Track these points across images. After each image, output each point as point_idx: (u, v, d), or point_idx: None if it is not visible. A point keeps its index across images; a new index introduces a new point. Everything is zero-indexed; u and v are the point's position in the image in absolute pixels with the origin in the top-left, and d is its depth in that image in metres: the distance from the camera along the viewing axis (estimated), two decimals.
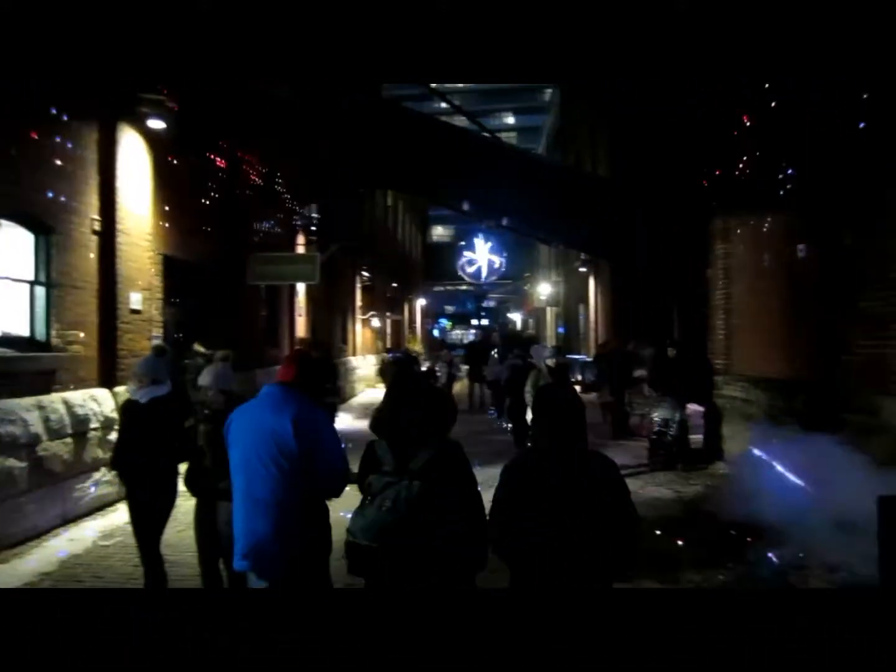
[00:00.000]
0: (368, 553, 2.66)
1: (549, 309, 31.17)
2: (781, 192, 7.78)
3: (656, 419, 8.92)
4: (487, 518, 2.63)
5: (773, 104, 7.90)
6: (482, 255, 15.71)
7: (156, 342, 8.04)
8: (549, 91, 53.00)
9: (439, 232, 64.65)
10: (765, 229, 8.21)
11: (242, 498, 2.95)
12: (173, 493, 4.27)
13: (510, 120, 64.40)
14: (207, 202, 10.20)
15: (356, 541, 2.71)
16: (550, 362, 7.70)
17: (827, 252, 6.98)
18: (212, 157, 10.33)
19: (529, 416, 7.50)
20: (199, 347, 8.16)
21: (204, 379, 4.13)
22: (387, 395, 3.31)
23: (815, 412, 6.84)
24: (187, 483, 4.08)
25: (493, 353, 13.81)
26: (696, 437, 9.26)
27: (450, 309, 59.96)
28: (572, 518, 2.33)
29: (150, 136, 8.28)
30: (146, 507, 4.20)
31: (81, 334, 7.15)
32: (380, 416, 3.41)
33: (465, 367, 18.06)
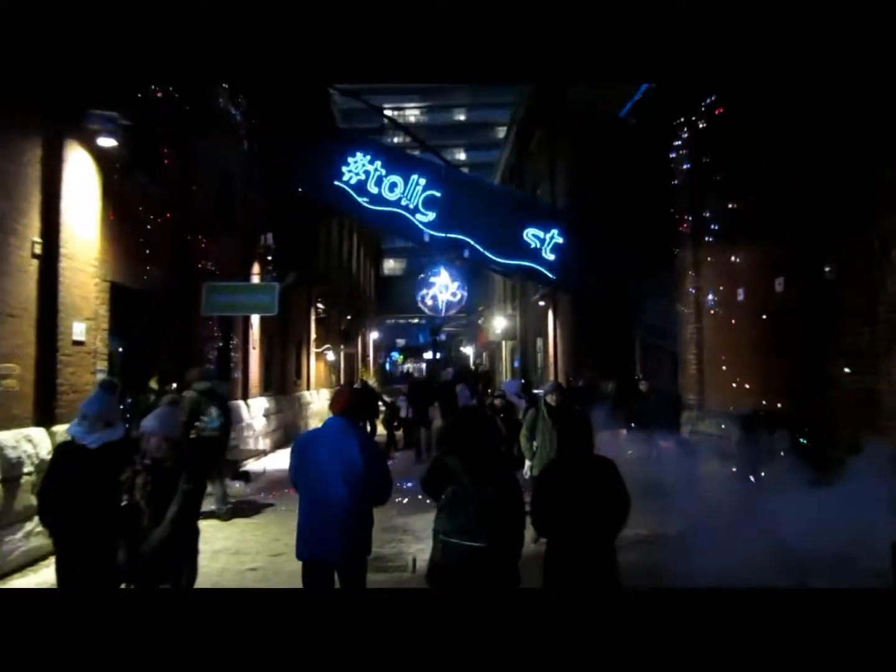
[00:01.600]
0: (471, 550, 3.34)
1: (504, 342, 31.05)
2: (757, 225, 7.74)
3: (629, 454, 8.66)
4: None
5: (749, 133, 7.91)
6: (443, 288, 15.31)
7: (103, 376, 7.38)
8: (501, 128, 53.87)
9: (391, 265, 64.52)
10: (739, 262, 8.13)
11: (312, 503, 3.78)
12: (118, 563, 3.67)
13: (461, 156, 65.24)
14: (159, 227, 9.64)
15: (458, 541, 3.38)
16: (551, 399, 7.03)
17: (806, 285, 6.90)
18: (165, 178, 9.80)
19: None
20: (153, 384, 7.56)
21: (147, 423, 3.64)
22: (452, 421, 4.24)
23: (795, 449, 6.68)
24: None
25: (457, 389, 13.10)
26: None
27: (401, 342, 59.50)
28: (588, 499, 3.55)
29: (100, 155, 7.73)
30: (80, 579, 3.58)
31: (16, 367, 6.48)
32: (449, 437, 4.20)
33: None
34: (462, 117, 71.13)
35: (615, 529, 3.63)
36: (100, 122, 7.28)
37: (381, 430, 15.58)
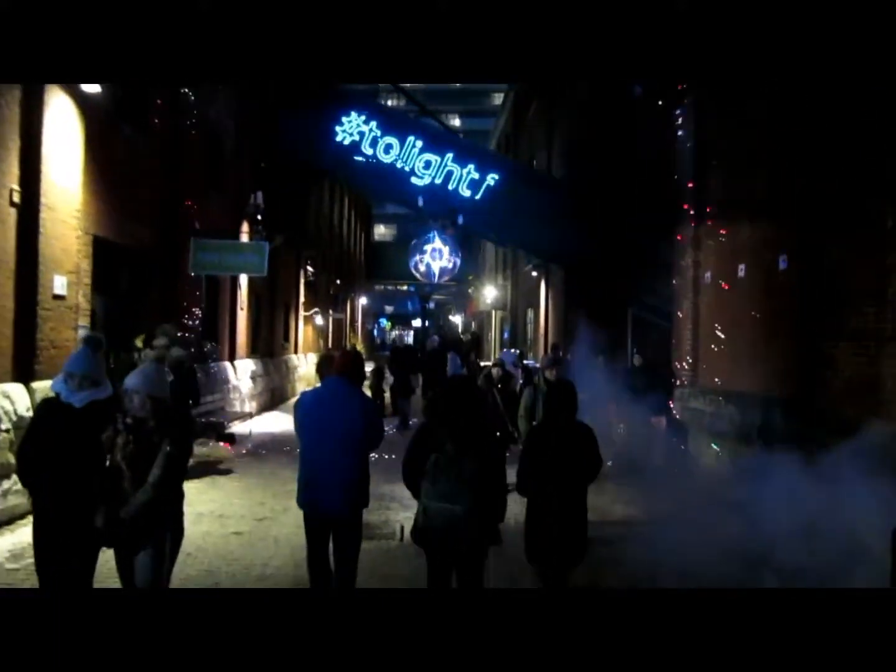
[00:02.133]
0: (452, 513, 3.55)
1: (494, 312, 30.89)
2: (761, 200, 7.55)
3: (620, 430, 8.57)
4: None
5: (753, 109, 7.68)
6: (437, 254, 15.02)
7: (87, 332, 7.11)
8: (498, 94, 53.02)
9: (381, 231, 63.91)
10: (741, 238, 7.96)
11: (317, 461, 3.99)
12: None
13: (456, 122, 64.27)
14: (146, 181, 9.30)
15: (439, 505, 3.58)
16: (550, 374, 6.52)
17: (810, 263, 6.74)
18: (152, 130, 9.43)
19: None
20: (139, 343, 7.31)
21: (131, 381, 3.43)
22: (442, 393, 4.10)
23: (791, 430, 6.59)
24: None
25: (447, 357, 12.81)
26: None
27: (389, 309, 59.21)
28: (568, 460, 4.03)
29: (84, 102, 7.38)
30: (61, 546, 3.38)
31: None
32: (438, 406, 4.13)
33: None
34: (457, 83, 69.89)
35: (587, 483, 4.22)
36: None
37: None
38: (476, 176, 14.44)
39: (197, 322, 11.08)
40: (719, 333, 8.54)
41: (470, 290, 37.13)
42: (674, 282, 9.90)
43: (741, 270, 7.97)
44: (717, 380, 8.50)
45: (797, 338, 6.88)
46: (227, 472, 8.75)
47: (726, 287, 8.36)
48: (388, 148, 14.18)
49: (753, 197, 7.77)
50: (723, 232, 8.45)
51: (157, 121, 9.52)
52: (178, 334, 7.84)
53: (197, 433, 8.28)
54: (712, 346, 8.75)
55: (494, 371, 8.23)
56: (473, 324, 39.20)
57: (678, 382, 9.53)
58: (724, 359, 8.37)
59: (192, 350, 8.10)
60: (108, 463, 3.35)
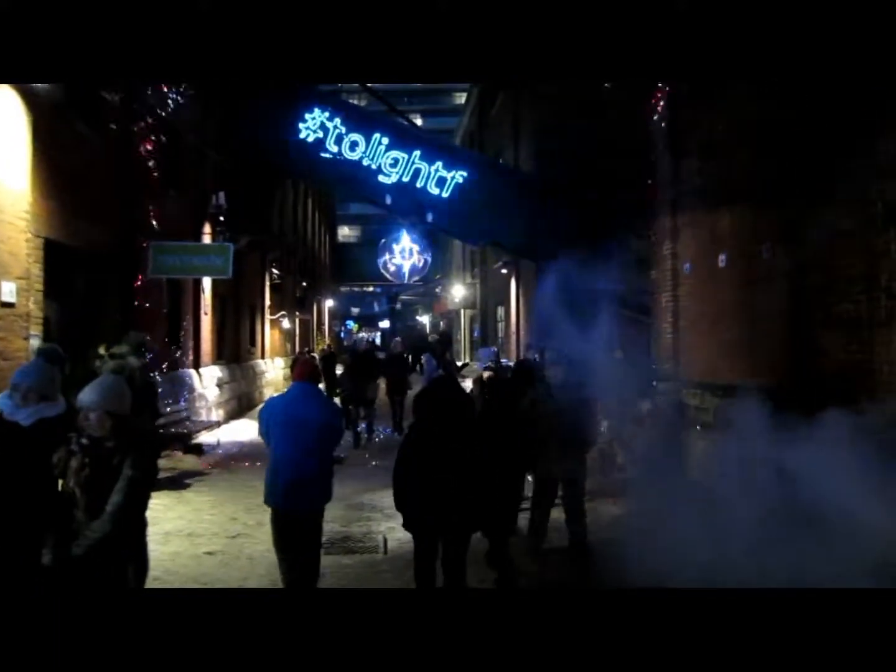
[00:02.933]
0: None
1: (463, 311, 30.65)
2: (742, 188, 7.40)
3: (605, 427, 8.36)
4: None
5: (729, 91, 7.54)
6: (406, 253, 14.71)
7: (38, 343, 6.60)
8: (460, 94, 52.85)
9: (345, 232, 63.28)
10: (721, 227, 7.81)
11: (284, 460, 4.25)
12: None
13: (418, 122, 63.95)
14: (100, 181, 8.80)
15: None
16: (553, 375, 5.55)
17: (795, 251, 6.59)
18: (106, 125, 8.92)
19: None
20: (101, 351, 6.84)
21: (86, 396, 3.00)
22: (427, 392, 4.51)
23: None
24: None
25: (422, 360, 12.21)
26: None
27: (356, 311, 58.63)
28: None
29: (32, 97, 6.89)
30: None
31: None
32: (424, 407, 4.32)
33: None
34: (418, 83, 69.57)
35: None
36: None
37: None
38: (444, 173, 14.15)
39: (158, 328, 10.58)
40: (700, 325, 8.39)
41: (438, 290, 36.84)
42: (652, 273, 9.74)
43: (722, 260, 7.82)
44: (700, 372, 8.34)
45: (780, 327, 6.74)
46: (195, 485, 8.31)
47: (707, 277, 8.21)
48: (353, 145, 13.81)
49: (732, 183, 7.62)
50: (702, 221, 8.29)
51: (110, 117, 9.02)
52: (143, 342, 7.29)
53: (161, 450, 7.81)
54: (693, 338, 8.60)
55: (486, 374, 6.81)
56: (442, 323, 38.91)
57: (659, 375, 9.37)
58: (707, 350, 8.22)
59: (148, 358, 7.46)
60: (59, 489, 2.95)
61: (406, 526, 4.25)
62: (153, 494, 7.41)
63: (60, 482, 3.00)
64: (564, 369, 5.57)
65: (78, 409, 3.03)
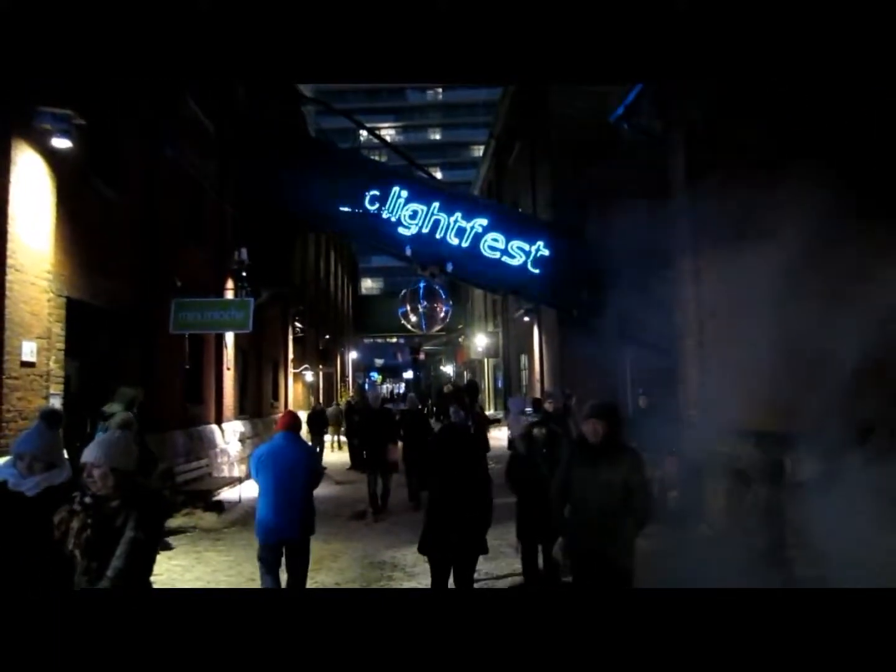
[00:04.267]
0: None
1: (486, 360, 30.48)
2: (767, 227, 7.24)
3: None
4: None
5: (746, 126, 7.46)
6: (427, 305, 14.66)
7: (43, 406, 6.39)
8: (478, 147, 53.81)
9: (368, 284, 63.99)
10: (747, 268, 7.62)
11: (276, 498, 4.98)
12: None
13: (437, 175, 65.16)
14: (122, 239, 8.93)
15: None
16: (591, 431, 3.92)
17: (825, 288, 6.38)
18: (127, 184, 9.10)
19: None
20: (114, 406, 6.77)
21: (89, 453, 2.86)
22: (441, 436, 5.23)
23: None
24: None
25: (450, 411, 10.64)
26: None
27: (379, 362, 58.73)
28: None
29: (54, 158, 7.04)
30: None
31: None
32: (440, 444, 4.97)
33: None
34: (437, 136, 71.19)
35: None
36: (52, 120, 6.61)
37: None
38: (463, 223, 14.21)
39: (180, 383, 10.57)
40: (729, 369, 8.14)
41: (460, 339, 36.79)
42: (676, 318, 9.53)
43: (749, 303, 7.60)
44: (731, 419, 8.05)
45: (818, 370, 6.47)
46: (214, 544, 8.12)
47: (733, 320, 7.99)
48: (373, 199, 13.97)
49: (757, 225, 7.46)
50: (726, 262, 8.12)
51: (131, 175, 9.21)
52: (134, 398, 7.08)
53: (169, 511, 7.63)
54: (722, 383, 8.33)
55: (536, 431, 5.72)
56: (466, 372, 38.70)
57: (687, 423, 9.08)
58: (737, 396, 7.94)
59: (139, 411, 7.08)
60: (61, 555, 2.80)
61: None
62: (172, 555, 7.33)
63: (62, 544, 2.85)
64: (608, 423, 4.24)
65: (81, 467, 2.91)
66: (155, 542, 2.95)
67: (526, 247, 14.28)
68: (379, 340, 54.28)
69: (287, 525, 4.96)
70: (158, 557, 3.32)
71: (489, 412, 24.98)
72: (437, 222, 14.09)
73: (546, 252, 14.23)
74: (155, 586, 3.16)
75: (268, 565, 5.05)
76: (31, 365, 6.67)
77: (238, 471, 12.48)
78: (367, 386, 46.15)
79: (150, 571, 2.90)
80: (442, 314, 14.17)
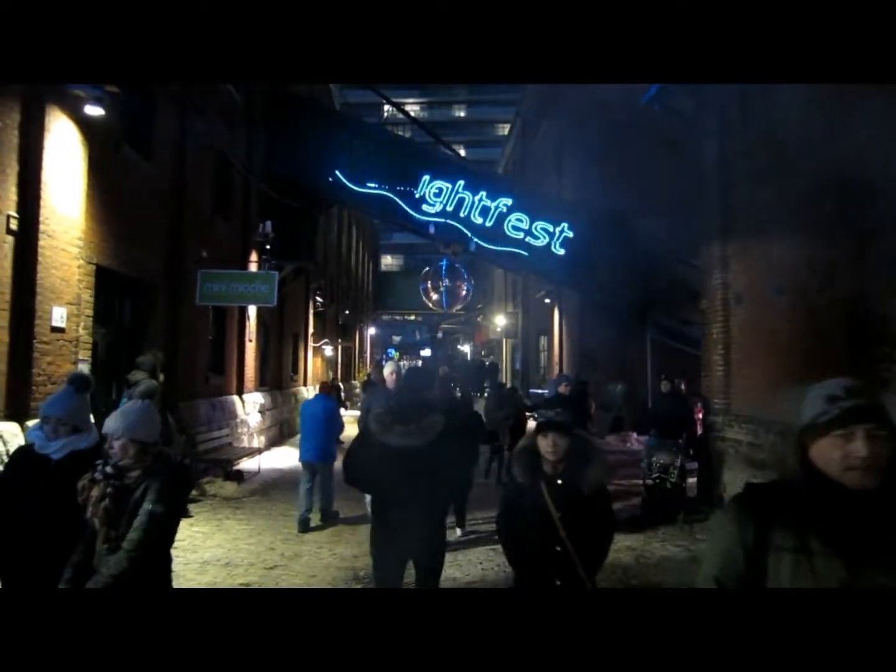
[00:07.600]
0: None
1: (504, 341, 30.46)
2: (799, 213, 7.13)
3: (656, 463, 8.03)
4: None
5: (781, 118, 7.32)
6: (448, 283, 14.61)
7: (72, 371, 6.46)
8: (503, 125, 53.23)
9: (388, 261, 63.94)
10: (777, 255, 7.52)
11: (303, 433, 7.87)
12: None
13: (461, 153, 64.63)
14: (151, 209, 8.99)
15: None
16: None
17: (853, 281, 6.28)
18: (158, 155, 9.14)
19: None
20: (138, 374, 6.85)
21: (110, 423, 2.81)
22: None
23: None
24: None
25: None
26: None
27: (397, 339, 58.91)
28: None
29: (87, 126, 7.08)
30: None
31: None
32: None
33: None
34: (462, 114, 70.49)
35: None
36: (85, 87, 6.63)
37: None
38: (488, 203, 14.14)
39: (204, 353, 10.67)
40: (754, 357, 8.07)
41: (479, 319, 36.75)
42: (702, 304, 9.44)
43: (778, 289, 7.51)
44: (753, 407, 8.00)
45: (844, 360, 6.40)
46: (234, 512, 8.26)
47: (760, 307, 7.91)
48: (400, 176, 13.91)
49: (787, 212, 7.35)
50: (756, 249, 8.02)
51: (162, 146, 9.24)
52: (156, 365, 7.16)
53: (192, 483, 7.80)
54: (747, 370, 8.27)
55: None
56: (484, 352, 38.72)
57: (709, 411, 9.03)
58: (761, 385, 7.88)
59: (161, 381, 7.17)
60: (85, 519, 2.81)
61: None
62: (193, 521, 7.45)
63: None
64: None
65: (103, 437, 2.92)
66: (177, 514, 2.93)
67: (550, 228, 14.19)
68: (398, 318, 54.34)
69: (309, 451, 7.60)
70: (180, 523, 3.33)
71: None
72: (461, 201, 14.04)
73: (570, 234, 14.14)
74: (175, 553, 3.18)
75: (305, 474, 7.57)
76: (60, 330, 6.77)
77: (258, 441, 12.63)
78: (384, 362, 46.45)
79: (170, 543, 2.89)
80: (464, 293, 14.17)
